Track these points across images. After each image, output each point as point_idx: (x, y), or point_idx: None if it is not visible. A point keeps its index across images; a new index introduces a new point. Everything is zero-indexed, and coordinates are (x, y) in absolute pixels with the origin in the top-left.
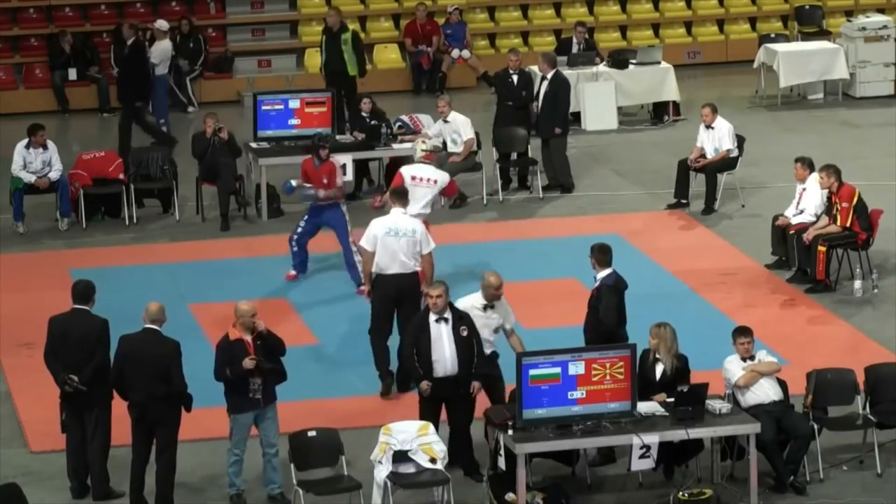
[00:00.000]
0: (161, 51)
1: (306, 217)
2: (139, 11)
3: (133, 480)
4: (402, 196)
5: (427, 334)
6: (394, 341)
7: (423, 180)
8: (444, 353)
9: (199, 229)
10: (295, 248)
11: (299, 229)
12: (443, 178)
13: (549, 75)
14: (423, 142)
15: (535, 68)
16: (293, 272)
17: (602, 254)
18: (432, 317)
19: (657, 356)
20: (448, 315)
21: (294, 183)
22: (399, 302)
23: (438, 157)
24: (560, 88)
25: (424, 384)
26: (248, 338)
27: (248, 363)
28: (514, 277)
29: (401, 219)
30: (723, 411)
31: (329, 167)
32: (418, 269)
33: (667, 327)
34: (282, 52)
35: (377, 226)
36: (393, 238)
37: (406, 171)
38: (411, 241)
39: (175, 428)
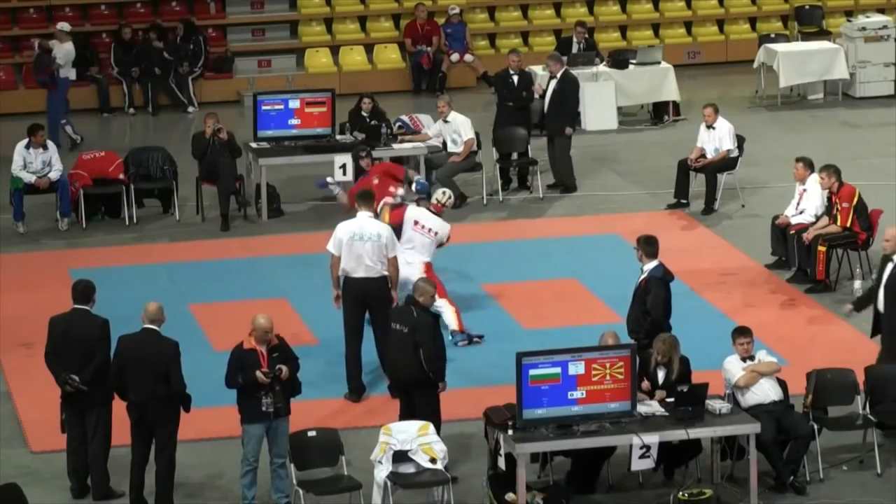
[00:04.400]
0: (65, 53)
1: None
2: (139, 11)
3: (133, 480)
4: (368, 199)
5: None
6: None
7: (424, 229)
8: None
9: (199, 229)
10: None
11: None
12: (443, 230)
13: (559, 74)
14: (444, 193)
15: (535, 68)
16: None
17: (649, 245)
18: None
19: (660, 360)
20: None
21: (329, 179)
22: (368, 306)
23: (438, 156)
24: (568, 87)
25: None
26: (262, 349)
27: (262, 378)
28: (514, 277)
29: (366, 222)
30: (723, 411)
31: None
32: (386, 273)
33: (674, 339)
34: (282, 52)
35: (342, 230)
36: (358, 242)
37: (411, 213)
38: (376, 245)
39: (174, 428)
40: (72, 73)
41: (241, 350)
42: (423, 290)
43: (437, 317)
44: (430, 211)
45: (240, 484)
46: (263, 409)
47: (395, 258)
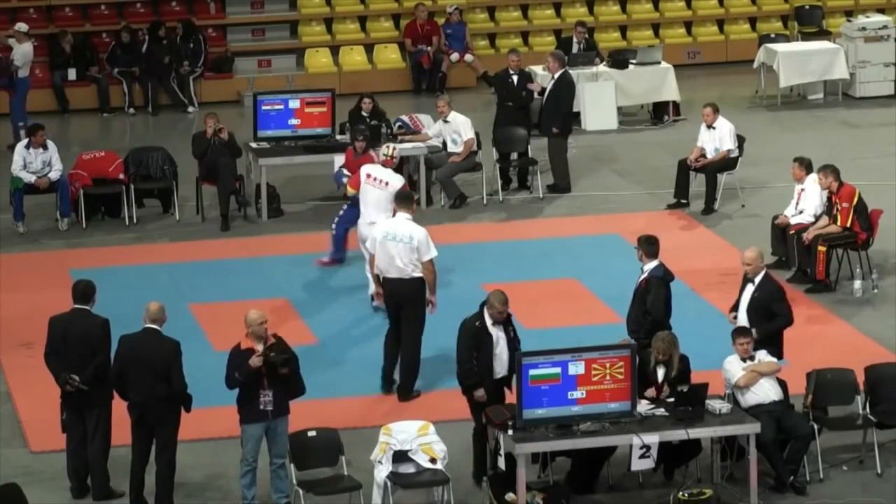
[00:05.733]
0: (23, 53)
1: (348, 203)
2: (139, 11)
3: (133, 480)
4: (406, 201)
5: (490, 340)
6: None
7: (376, 180)
8: (502, 355)
9: (199, 229)
10: (333, 232)
11: (340, 212)
12: (395, 181)
13: (557, 75)
14: (388, 146)
15: (535, 68)
16: (325, 258)
17: (649, 245)
18: (489, 321)
19: (660, 359)
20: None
21: (344, 170)
22: (400, 306)
23: (438, 156)
24: (564, 88)
25: (482, 392)
26: (260, 347)
27: (255, 361)
28: (514, 277)
29: (401, 224)
30: (723, 411)
31: (366, 160)
32: (417, 274)
33: (673, 338)
34: (282, 52)
35: (378, 229)
36: (391, 242)
37: (364, 169)
38: (408, 247)
39: (175, 428)
40: (71, 73)
41: (239, 350)
42: (490, 303)
43: (479, 327)
44: (384, 166)
45: (240, 484)
46: (262, 407)
47: (430, 262)
